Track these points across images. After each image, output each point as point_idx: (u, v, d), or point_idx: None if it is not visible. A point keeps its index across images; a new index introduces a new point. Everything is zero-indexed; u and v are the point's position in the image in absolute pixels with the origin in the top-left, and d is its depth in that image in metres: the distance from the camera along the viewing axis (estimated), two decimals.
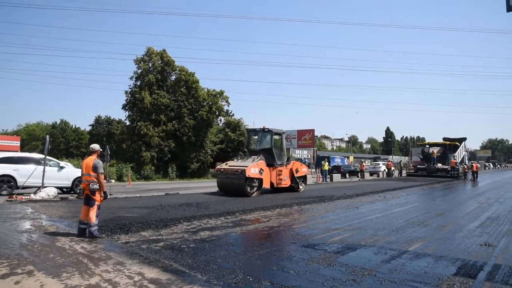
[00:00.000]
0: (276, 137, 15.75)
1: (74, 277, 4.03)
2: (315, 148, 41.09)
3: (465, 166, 33.11)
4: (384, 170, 37.72)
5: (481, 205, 12.10)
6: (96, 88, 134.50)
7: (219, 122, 43.55)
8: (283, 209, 10.44)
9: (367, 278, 4.20)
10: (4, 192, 13.10)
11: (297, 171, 16.09)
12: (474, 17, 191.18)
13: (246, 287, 3.87)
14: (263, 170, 14.25)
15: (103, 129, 66.90)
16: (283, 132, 16.56)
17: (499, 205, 12.22)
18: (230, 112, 47.29)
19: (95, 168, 6.19)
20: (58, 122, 69.37)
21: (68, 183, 14.55)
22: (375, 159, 73.59)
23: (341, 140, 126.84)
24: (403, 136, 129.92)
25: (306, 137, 39.52)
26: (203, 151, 38.39)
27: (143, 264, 4.57)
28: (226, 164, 15.26)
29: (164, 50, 37.60)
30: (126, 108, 36.92)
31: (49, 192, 12.38)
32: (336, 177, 29.53)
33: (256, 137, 16.46)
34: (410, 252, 5.49)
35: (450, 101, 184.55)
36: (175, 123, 36.23)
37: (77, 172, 14.70)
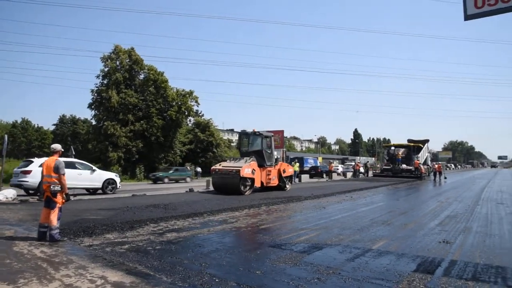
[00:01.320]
0: (266, 139, 16.48)
1: (31, 283, 3.86)
2: (284, 149, 41.37)
3: (425, 167, 34.36)
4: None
5: (441, 204, 12.66)
6: (60, 86, 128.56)
7: (188, 122, 43.10)
8: (251, 210, 10.46)
9: (332, 277, 4.29)
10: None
11: (284, 171, 17.24)
12: (444, 23, 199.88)
13: None
14: (255, 170, 15.23)
15: (67, 129, 64.28)
16: (272, 135, 17.52)
17: (458, 204, 12.83)
18: (200, 113, 46.94)
19: (56, 169, 5.96)
20: (19, 121, 66.12)
21: (99, 184, 15.67)
22: (343, 160, 75.28)
23: (310, 141, 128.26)
24: (369, 138, 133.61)
25: (276, 138, 39.67)
26: (172, 152, 37.94)
27: (106, 268, 4.45)
28: (220, 164, 16.03)
29: (132, 48, 36.81)
30: (92, 107, 35.85)
31: (7, 194, 11.77)
32: (305, 177, 29.98)
33: (247, 139, 17.26)
34: (374, 250, 5.66)
35: (414, 104, 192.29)
36: (143, 123, 35.55)
37: (107, 174, 16.80)
